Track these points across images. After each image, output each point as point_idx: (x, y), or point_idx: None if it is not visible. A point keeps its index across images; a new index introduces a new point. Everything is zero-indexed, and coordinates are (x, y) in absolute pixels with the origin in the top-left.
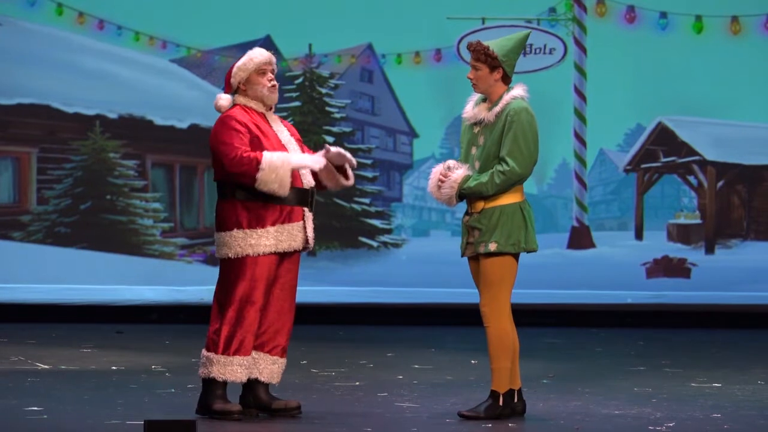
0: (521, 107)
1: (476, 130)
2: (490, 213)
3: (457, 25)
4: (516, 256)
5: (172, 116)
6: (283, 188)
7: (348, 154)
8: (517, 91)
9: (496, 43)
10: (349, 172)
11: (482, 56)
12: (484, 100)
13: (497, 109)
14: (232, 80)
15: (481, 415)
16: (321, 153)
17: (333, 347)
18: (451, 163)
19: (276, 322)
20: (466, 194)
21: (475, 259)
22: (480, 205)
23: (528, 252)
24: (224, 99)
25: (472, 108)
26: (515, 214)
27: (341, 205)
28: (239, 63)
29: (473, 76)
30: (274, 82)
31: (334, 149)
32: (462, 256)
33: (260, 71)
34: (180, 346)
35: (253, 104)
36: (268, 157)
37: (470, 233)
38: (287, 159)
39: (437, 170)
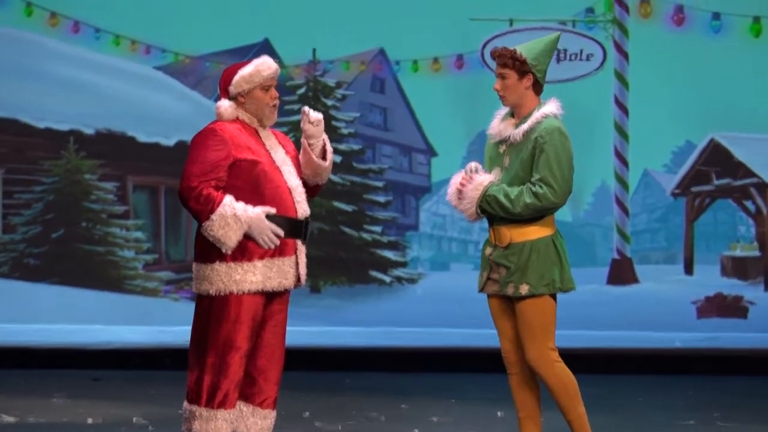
0: (554, 127)
1: (501, 149)
2: (520, 249)
3: (481, 27)
4: (553, 295)
5: (156, 132)
6: (224, 246)
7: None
8: (550, 107)
9: (524, 46)
10: (329, 152)
11: (509, 61)
12: (512, 115)
13: (525, 127)
14: (232, 89)
15: None
16: (302, 121)
17: (339, 397)
18: (474, 165)
19: (267, 370)
20: (488, 203)
21: (497, 297)
22: (506, 237)
23: (564, 292)
24: (227, 108)
25: (498, 123)
26: (548, 249)
27: (349, 233)
28: (243, 73)
29: (500, 87)
30: (277, 101)
31: (315, 114)
32: (480, 291)
33: (265, 87)
34: (165, 395)
35: (246, 118)
36: (224, 210)
37: (494, 269)
38: (244, 220)
39: (459, 175)
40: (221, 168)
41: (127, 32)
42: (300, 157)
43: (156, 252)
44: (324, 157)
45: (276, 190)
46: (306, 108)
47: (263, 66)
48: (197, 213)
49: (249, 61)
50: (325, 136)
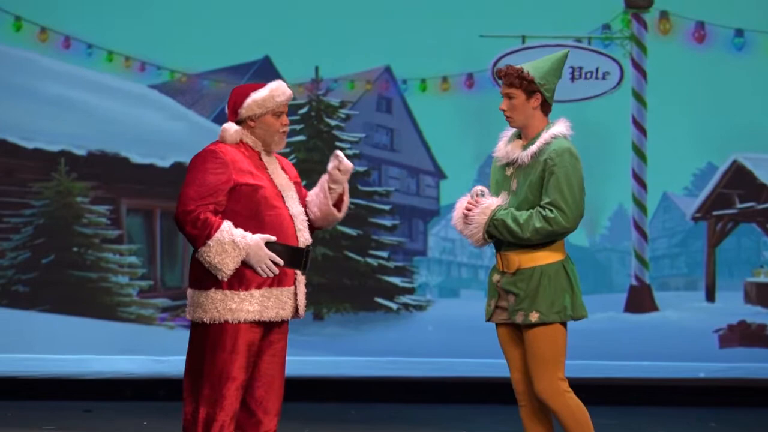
0: (563, 148)
1: (509, 172)
2: (529, 275)
3: (492, 44)
4: (564, 323)
5: (151, 153)
6: (221, 273)
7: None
8: (559, 127)
9: (530, 64)
10: (345, 203)
11: (516, 80)
12: (519, 137)
13: (534, 148)
14: (242, 112)
15: None
16: (331, 164)
17: (343, 429)
18: (479, 188)
19: (265, 401)
20: (496, 227)
21: (505, 325)
22: (515, 263)
23: (576, 320)
24: (232, 133)
25: (505, 145)
26: (558, 275)
27: (354, 259)
28: (257, 97)
29: (507, 107)
30: (287, 128)
31: (347, 162)
32: (487, 320)
33: (277, 112)
34: (160, 427)
35: (251, 142)
36: (222, 236)
37: (502, 296)
38: (242, 247)
39: (465, 199)
40: (221, 192)
41: (121, 48)
42: (314, 193)
43: (151, 278)
44: (339, 207)
45: (277, 217)
46: (339, 153)
47: (278, 91)
48: (193, 238)
49: (262, 84)
50: (346, 186)
